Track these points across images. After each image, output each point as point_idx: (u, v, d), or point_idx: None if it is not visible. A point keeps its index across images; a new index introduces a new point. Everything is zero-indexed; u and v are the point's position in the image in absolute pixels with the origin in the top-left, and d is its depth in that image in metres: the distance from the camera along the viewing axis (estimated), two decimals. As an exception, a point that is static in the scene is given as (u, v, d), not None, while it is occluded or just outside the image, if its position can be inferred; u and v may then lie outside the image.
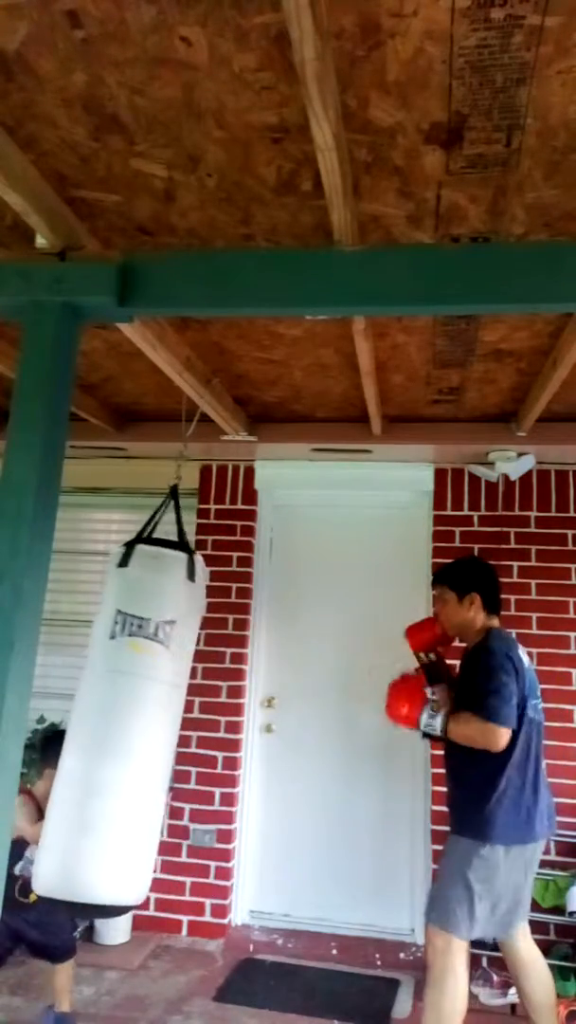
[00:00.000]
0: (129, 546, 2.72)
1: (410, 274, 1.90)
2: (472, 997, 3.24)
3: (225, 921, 3.84)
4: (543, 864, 3.59)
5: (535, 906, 3.54)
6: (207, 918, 3.83)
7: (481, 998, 3.23)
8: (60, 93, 1.61)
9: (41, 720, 4.01)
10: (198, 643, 2.81)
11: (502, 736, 2.52)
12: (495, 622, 2.89)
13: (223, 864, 3.87)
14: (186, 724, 3.01)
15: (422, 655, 2.90)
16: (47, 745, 2.91)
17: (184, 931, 3.83)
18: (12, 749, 1.69)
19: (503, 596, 3.85)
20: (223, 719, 3.96)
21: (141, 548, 2.71)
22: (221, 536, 4.11)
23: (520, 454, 3.69)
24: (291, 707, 4.09)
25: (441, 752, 2.86)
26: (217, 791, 3.90)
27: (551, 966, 3.38)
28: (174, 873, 3.82)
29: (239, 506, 4.22)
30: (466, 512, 4.01)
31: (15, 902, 2.75)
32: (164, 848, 3.66)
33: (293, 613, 4.18)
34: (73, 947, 3.00)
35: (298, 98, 1.54)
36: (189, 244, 2.13)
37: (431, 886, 2.71)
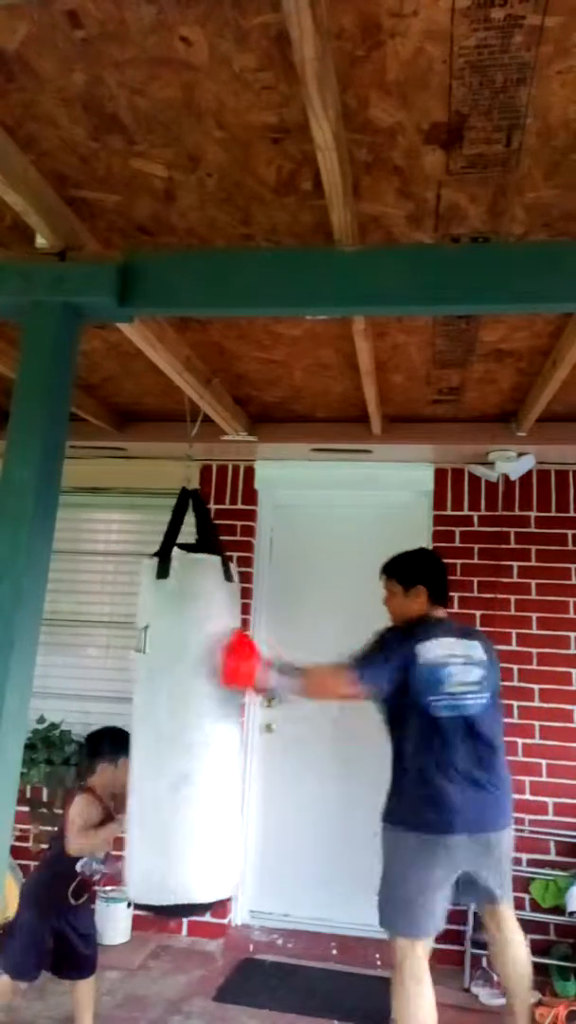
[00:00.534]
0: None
1: (410, 274, 1.90)
2: (472, 997, 3.26)
3: (225, 921, 3.84)
4: (543, 864, 3.61)
5: (535, 906, 3.55)
6: (207, 918, 3.82)
7: (481, 998, 3.23)
8: (60, 93, 1.61)
9: (41, 720, 4.02)
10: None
11: (348, 681, 2.57)
12: (437, 612, 2.87)
13: (223, 864, 3.87)
14: (186, 724, 3.01)
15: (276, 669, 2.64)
16: (100, 741, 2.96)
17: (184, 931, 3.83)
18: (12, 749, 1.69)
19: (502, 596, 3.89)
20: (223, 719, 3.96)
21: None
22: (221, 536, 4.09)
23: (520, 454, 3.69)
24: (291, 707, 4.09)
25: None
26: (217, 791, 3.90)
27: (551, 966, 3.39)
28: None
29: (239, 506, 4.22)
30: (466, 512, 4.01)
31: (64, 902, 2.73)
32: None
33: (293, 613, 4.18)
34: (96, 959, 2.88)
35: (298, 98, 1.54)
36: (189, 244, 2.13)
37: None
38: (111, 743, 2.89)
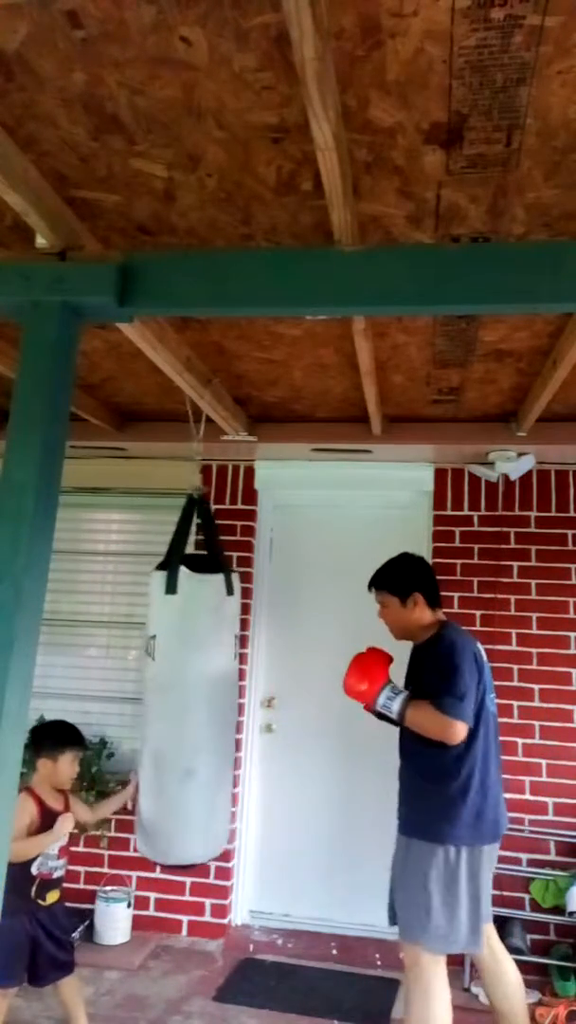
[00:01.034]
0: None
1: (410, 274, 1.90)
2: (472, 997, 3.25)
3: (225, 921, 3.84)
4: (543, 864, 3.61)
5: (535, 906, 3.56)
6: (207, 918, 3.83)
7: (481, 998, 3.23)
8: (60, 93, 1.61)
9: (41, 720, 4.01)
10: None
11: (460, 731, 2.45)
12: (441, 615, 2.83)
13: (223, 864, 3.86)
14: (186, 724, 3.02)
15: (388, 690, 2.63)
16: (41, 735, 2.86)
17: (184, 931, 3.83)
18: (12, 749, 1.69)
19: (503, 596, 3.89)
20: (223, 719, 3.96)
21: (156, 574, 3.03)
22: (221, 536, 4.10)
23: (520, 454, 3.69)
24: (291, 707, 4.09)
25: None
26: (217, 791, 3.90)
27: (551, 966, 3.39)
28: (174, 873, 3.82)
29: (239, 506, 4.22)
30: (466, 512, 4.01)
31: (32, 904, 2.67)
32: (164, 848, 3.66)
33: (293, 613, 4.18)
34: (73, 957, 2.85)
35: (298, 98, 1.54)
36: (189, 244, 2.13)
37: (394, 896, 2.60)
38: (52, 737, 2.82)
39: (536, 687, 3.79)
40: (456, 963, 3.48)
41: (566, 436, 3.54)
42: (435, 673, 2.55)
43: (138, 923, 3.79)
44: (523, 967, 3.42)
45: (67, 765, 2.77)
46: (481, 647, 2.75)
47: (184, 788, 2.90)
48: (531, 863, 3.63)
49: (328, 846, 3.94)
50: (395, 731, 2.73)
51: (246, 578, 4.13)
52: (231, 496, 4.24)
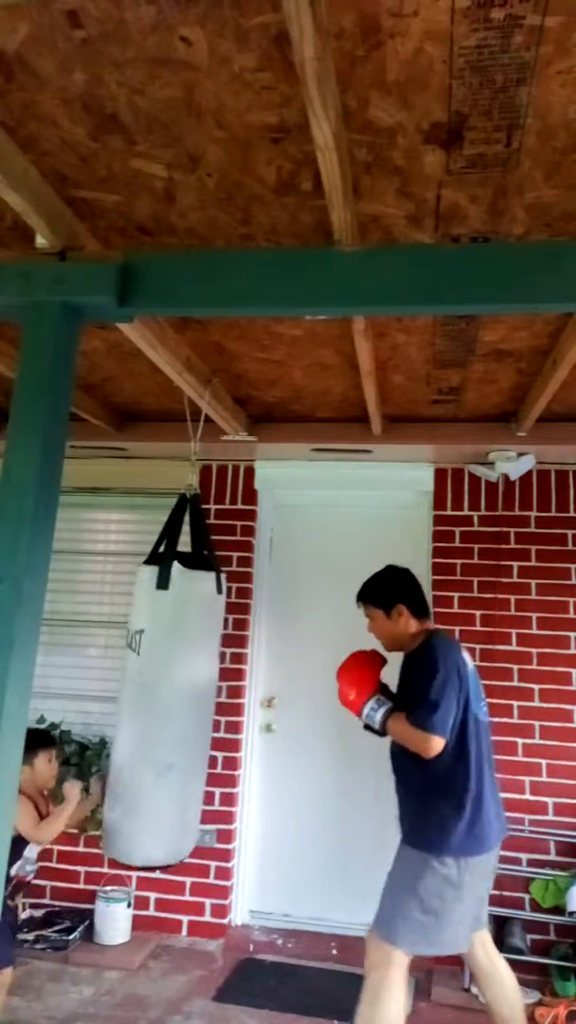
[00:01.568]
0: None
1: (410, 274, 1.90)
2: (472, 997, 3.25)
3: (225, 921, 3.84)
4: (543, 864, 3.61)
5: (535, 906, 3.56)
6: (207, 918, 3.83)
7: (481, 998, 3.22)
8: (60, 93, 1.61)
9: (41, 720, 4.01)
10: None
11: (435, 745, 2.47)
12: (430, 624, 2.85)
13: (223, 864, 3.87)
14: (186, 724, 3.02)
15: (373, 702, 2.66)
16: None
17: (184, 931, 3.83)
18: (12, 749, 1.69)
19: (503, 596, 3.89)
20: (223, 719, 3.96)
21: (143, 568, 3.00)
22: (221, 536, 4.11)
23: (520, 454, 3.69)
24: (291, 707, 4.09)
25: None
26: (217, 791, 3.90)
27: (551, 966, 3.39)
28: (174, 873, 3.82)
29: (239, 506, 4.22)
30: (466, 512, 4.01)
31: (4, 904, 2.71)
32: (164, 848, 3.66)
33: (293, 613, 4.18)
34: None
35: (298, 98, 1.54)
36: (189, 244, 2.13)
37: (382, 897, 2.61)
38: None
39: (536, 687, 3.79)
40: (456, 963, 3.48)
41: (566, 436, 3.54)
42: (416, 685, 2.57)
43: (138, 923, 3.79)
44: (523, 967, 3.43)
45: (44, 765, 2.86)
46: (467, 656, 2.73)
47: (160, 784, 2.85)
48: (531, 863, 3.63)
49: (328, 846, 3.94)
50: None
51: (246, 578, 4.13)
52: (231, 496, 4.24)
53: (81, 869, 3.94)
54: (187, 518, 3.10)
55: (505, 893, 3.64)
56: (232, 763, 3.96)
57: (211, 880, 3.86)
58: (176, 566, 2.88)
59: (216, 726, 3.97)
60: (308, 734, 4.06)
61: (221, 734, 3.95)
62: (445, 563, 3.96)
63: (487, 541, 3.95)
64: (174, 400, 3.35)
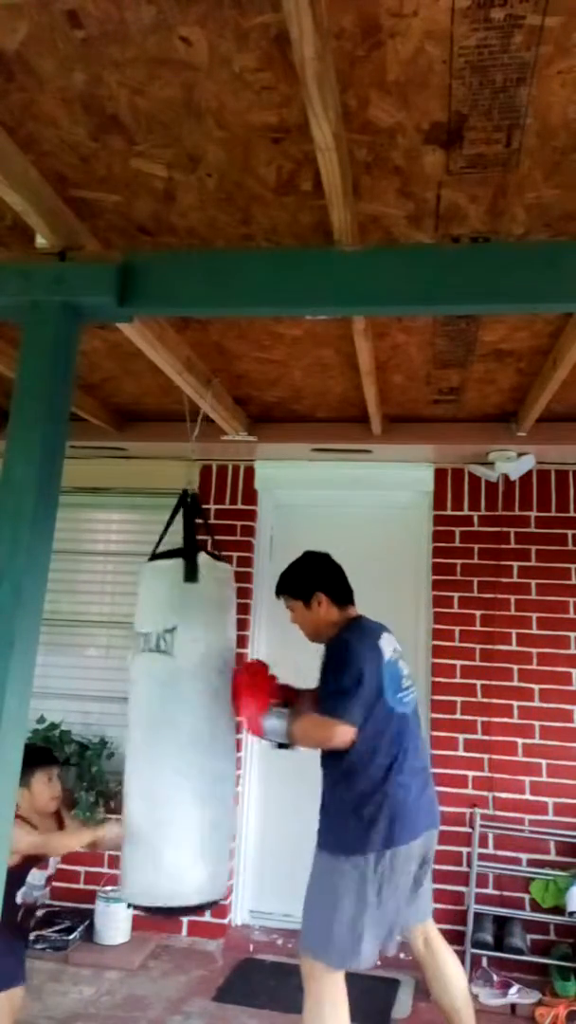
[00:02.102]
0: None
1: (410, 274, 1.90)
2: (472, 997, 3.25)
3: (225, 921, 3.84)
4: (543, 864, 3.61)
5: (535, 906, 3.55)
6: (207, 918, 3.82)
7: (481, 998, 3.23)
8: (60, 93, 1.61)
9: (41, 720, 4.01)
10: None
11: (344, 732, 2.36)
12: (352, 612, 2.71)
13: (223, 864, 3.87)
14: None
15: (269, 723, 2.53)
16: None
17: (184, 931, 3.83)
18: (12, 749, 1.69)
19: (503, 596, 3.89)
20: (223, 719, 3.95)
21: (143, 566, 2.79)
22: (221, 536, 4.10)
23: (520, 454, 3.69)
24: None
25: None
26: (217, 791, 3.89)
27: (551, 966, 3.39)
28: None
29: (239, 506, 4.22)
30: (466, 512, 4.01)
31: (17, 932, 2.60)
32: (164, 848, 3.66)
33: (293, 613, 4.18)
34: None
35: (298, 98, 1.54)
36: (189, 244, 2.13)
37: (303, 911, 2.48)
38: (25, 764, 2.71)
39: (536, 687, 3.79)
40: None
41: (566, 436, 3.54)
42: (324, 678, 2.49)
43: (138, 923, 3.79)
44: (523, 967, 3.43)
45: (42, 787, 2.65)
46: (387, 644, 2.59)
47: (212, 800, 2.58)
48: (531, 863, 3.63)
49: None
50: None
51: (246, 578, 4.13)
52: (231, 496, 4.24)
53: (81, 869, 3.94)
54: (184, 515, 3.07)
55: (505, 893, 3.64)
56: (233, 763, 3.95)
57: (211, 880, 3.85)
58: (203, 557, 2.73)
59: (216, 726, 3.98)
60: (308, 734, 4.05)
61: (221, 734, 3.95)
62: (445, 563, 3.96)
63: (487, 541, 3.95)
64: (174, 400, 3.35)
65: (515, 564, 3.91)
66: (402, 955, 3.63)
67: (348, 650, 2.52)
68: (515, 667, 3.81)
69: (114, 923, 3.68)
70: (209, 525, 3.18)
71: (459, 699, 3.82)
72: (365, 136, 1.68)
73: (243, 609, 4.08)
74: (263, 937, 3.82)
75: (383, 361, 2.89)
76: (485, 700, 3.79)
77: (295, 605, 2.75)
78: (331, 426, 3.73)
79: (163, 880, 2.50)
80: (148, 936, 3.76)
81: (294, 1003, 3.21)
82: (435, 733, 3.79)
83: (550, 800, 3.69)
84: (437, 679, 3.84)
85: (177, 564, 2.73)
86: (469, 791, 3.72)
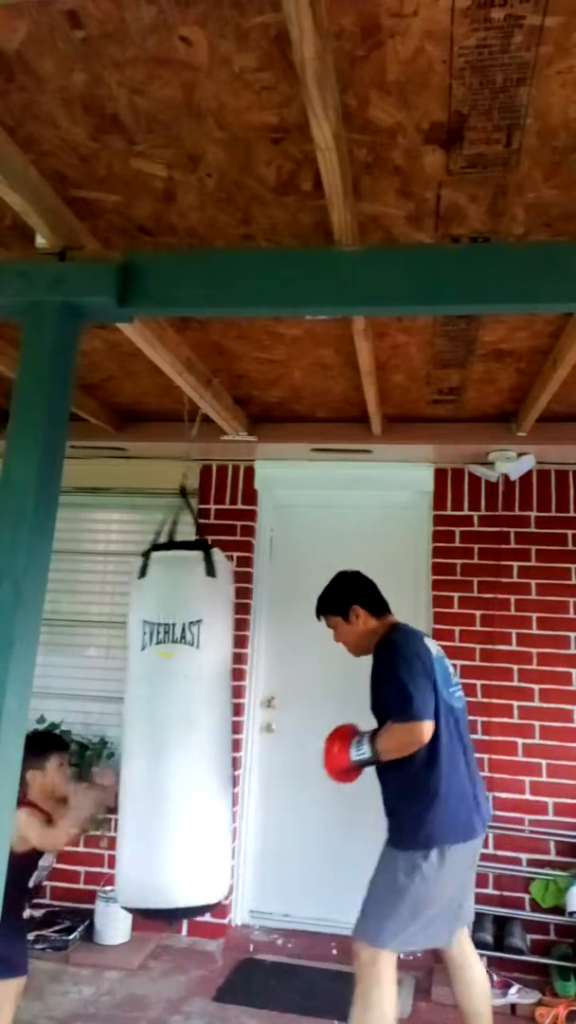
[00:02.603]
0: (145, 555, 2.78)
1: (410, 274, 1.90)
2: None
3: (225, 921, 3.84)
4: (543, 864, 3.61)
5: (535, 906, 3.55)
6: (207, 918, 3.81)
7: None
8: (60, 93, 1.61)
9: (41, 720, 4.02)
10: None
11: (426, 729, 2.45)
12: (390, 619, 2.83)
13: (223, 864, 3.87)
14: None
15: (354, 748, 2.62)
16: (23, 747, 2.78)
17: (184, 931, 3.83)
18: (12, 749, 1.69)
19: (502, 596, 3.89)
20: (223, 719, 3.95)
21: (157, 555, 2.80)
22: (221, 536, 4.11)
23: (520, 454, 3.69)
24: (291, 707, 4.09)
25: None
26: (217, 791, 3.89)
27: (551, 966, 3.39)
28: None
29: (239, 506, 4.22)
30: (466, 512, 4.01)
31: (21, 909, 2.62)
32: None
33: (293, 613, 4.17)
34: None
35: (298, 98, 1.54)
36: (189, 244, 2.13)
37: (365, 898, 2.62)
38: (33, 748, 2.72)
39: (536, 687, 3.79)
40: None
41: (566, 436, 3.54)
42: (386, 685, 2.57)
43: (138, 923, 3.79)
44: (523, 967, 3.43)
45: (55, 771, 2.71)
46: (431, 644, 2.72)
47: (224, 796, 2.67)
48: (531, 863, 3.63)
49: (328, 846, 3.94)
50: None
51: (246, 578, 4.13)
52: (231, 496, 4.24)
53: (81, 869, 3.94)
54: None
55: (505, 893, 3.64)
56: (232, 763, 3.95)
57: (211, 880, 3.85)
58: (217, 552, 2.82)
59: (216, 726, 3.98)
60: (308, 734, 4.05)
61: (221, 734, 3.95)
62: (445, 563, 3.96)
63: (487, 541, 3.95)
64: (174, 400, 3.35)
65: (515, 564, 3.91)
66: (401, 955, 3.63)
67: (399, 649, 2.61)
68: (515, 667, 3.81)
69: (114, 923, 3.68)
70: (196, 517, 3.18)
71: (459, 699, 3.82)
72: (365, 136, 1.68)
73: (243, 609, 4.08)
74: (263, 937, 3.82)
75: (383, 361, 2.89)
76: (485, 700, 3.79)
77: (336, 622, 2.86)
78: (331, 426, 3.73)
79: (176, 881, 2.53)
80: (148, 936, 3.76)
81: (294, 1003, 3.22)
82: (435, 733, 3.79)
83: (550, 800, 3.69)
84: (437, 679, 3.84)
85: (198, 556, 2.77)
86: (469, 791, 3.72)
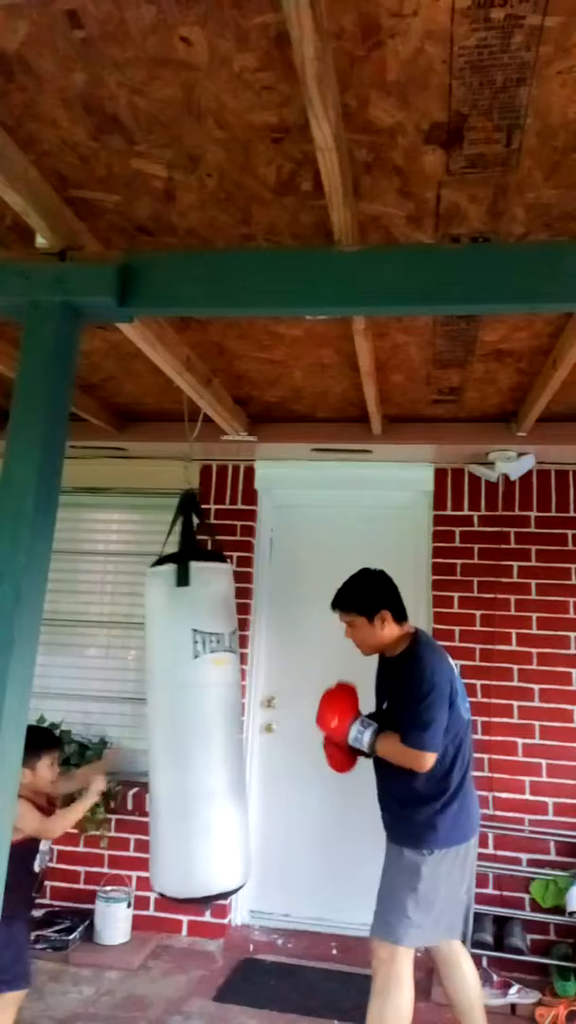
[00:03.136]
0: (180, 563, 2.83)
1: (410, 274, 1.90)
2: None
3: (225, 921, 3.84)
4: (543, 864, 3.61)
5: (535, 906, 3.56)
6: (207, 918, 3.82)
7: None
8: (60, 93, 1.61)
9: (41, 720, 4.01)
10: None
11: (428, 761, 2.51)
12: (409, 627, 2.81)
13: (223, 864, 3.86)
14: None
15: (355, 729, 2.68)
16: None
17: (184, 931, 3.83)
18: (12, 749, 1.69)
19: (502, 596, 3.89)
20: (223, 719, 3.95)
21: (203, 565, 2.90)
22: (221, 536, 4.11)
23: (520, 454, 3.69)
24: (291, 707, 4.09)
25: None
26: (217, 791, 3.89)
27: (551, 966, 3.39)
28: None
29: (239, 506, 4.22)
30: (466, 512, 4.01)
31: (30, 904, 2.70)
32: (164, 848, 3.66)
33: (293, 613, 4.18)
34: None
35: (298, 98, 1.54)
36: (189, 244, 2.13)
37: (379, 897, 2.68)
38: (26, 745, 2.79)
39: (536, 687, 3.79)
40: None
41: (566, 436, 3.54)
42: (409, 700, 2.56)
43: (138, 923, 3.79)
44: (523, 967, 3.43)
45: (46, 770, 2.75)
46: (449, 658, 2.76)
47: (243, 794, 2.86)
48: (531, 863, 3.63)
49: (328, 846, 3.94)
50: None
51: (246, 578, 4.13)
52: (231, 496, 4.24)
53: (81, 869, 3.94)
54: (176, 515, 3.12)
55: (505, 893, 3.64)
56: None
57: (211, 880, 3.85)
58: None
59: (216, 726, 3.98)
60: (308, 734, 4.03)
61: (221, 734, 3.95)
62: (445, 563, 3.96)
63: (487, 541, 3.95)
64: (174, 400, 3.35)
65: (515, 564, 3.91)
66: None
67: (431, 673, 2.58)
68: (515, 667, 3.81)
69: (114, 923, 3.69)
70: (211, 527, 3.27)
71: (459, 699, 3.83)
72: (365, 136, 1.68)
73: (243, 609, 4.08)
74: (263, 937, 3.82)
75: (383, 361, 2.88)
76: (485, 700, 3.79)
77: (358, 621, 2.77)
78: (331, 426, 3.73)
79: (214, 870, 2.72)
80: (148, 936, 3.76)
81: (294, 1003, 3.22)
82: (435, 733, 3.79)
83: (550, 800, 3.69)
84: (437, 679, 3.84)
85: (227, 568, 3.00)
86: (469, 791, 3.72)
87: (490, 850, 3.66)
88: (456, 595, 3.92)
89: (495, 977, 3.35)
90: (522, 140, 1.66)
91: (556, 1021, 3.13)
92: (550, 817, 3.67)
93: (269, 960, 3.62)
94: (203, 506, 4.20)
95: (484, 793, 3.72)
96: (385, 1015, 2.52)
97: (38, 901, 2.80)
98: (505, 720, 3.77)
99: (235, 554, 4.12)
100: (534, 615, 3.85)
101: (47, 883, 3.89)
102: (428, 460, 4.03)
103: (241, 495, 4.23)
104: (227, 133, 1.69)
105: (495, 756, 3.75)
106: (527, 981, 3.38)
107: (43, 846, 2.73)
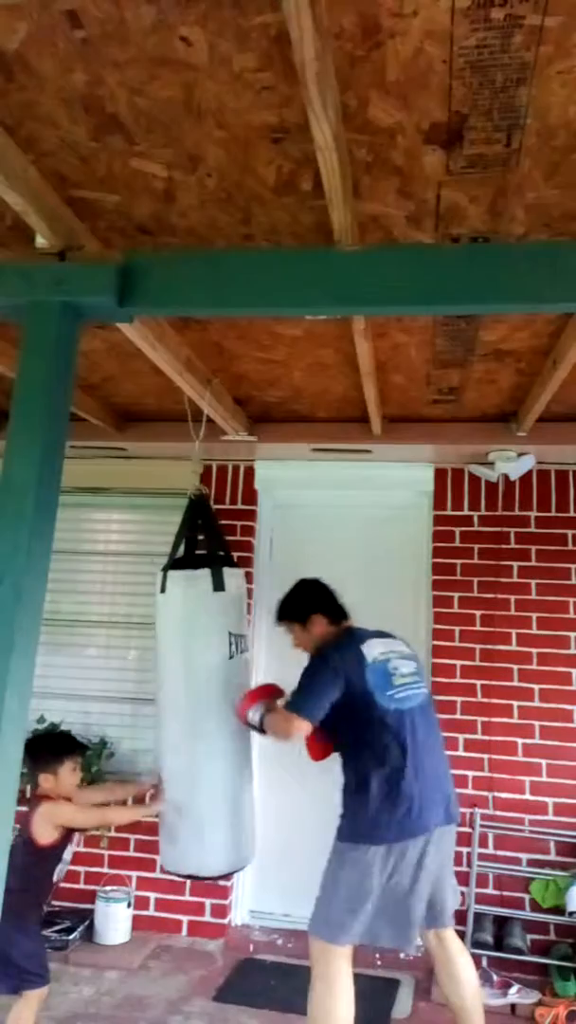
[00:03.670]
0: (217, 569, 3.01)
1: (410, 274, 1.90)
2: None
3: (225, 921, 3.84)
4: (543, 864, 3.61)
5: (535, 906, 3.55)
6: (207, 918, 3.83)
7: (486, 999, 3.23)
8: (60, 93, 1.61)
9: (41, 720, 4.01)
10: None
11: (297, 726, 2.60)
12: (344, 625, 2.95)
13: (223, 864, 3.86)
14: (186, 724, 3.02)
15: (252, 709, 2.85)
16: (38, 750, 2.75)
17: (184, 931, 3.83)
18: (12, 749, 1.69)
19: (502, 596, 3.89)
20: (223, 719, 3.95)
21: (227, 571, 3.08)
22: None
23: (520, 454, 3.69)
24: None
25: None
26: (217, 791, 3.89)
27: (551, 966, 3.39)
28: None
29: (239, 506, 4.22)
30: (466, 512, 4.01)
31: (43, 908, 2.72)
32: (164, 848, 3.66)
33: (293, 613, 4.18)
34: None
35: (298, 98, 1.54)
36: (189, 244, 2.13)
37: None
38: (49, 750, 2.78)
39: (536, 687, 3.79)
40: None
41: (566, 436, 3.54)
42: (301, 676, 2.75)
43: (138, 923, 3.79)
44: (523, 967, 3.43)
45: (68, 775, 2.75)
46: (373, 648, 2.77)
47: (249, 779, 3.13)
48: (531, 863, 3.63)
49: (328, 846, 3.92)
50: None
51: (247, 578, 4.12)
52: (231, 496, 4.24)
53: (81, 869, 3.94)
54: (189, 518, 3.17)
55: (505, 893, 3.64)
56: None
57: (211, 880, 3.85)
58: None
59: (216, 726, 3.98)
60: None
61: (221, 734, 3.95)
62: (445, 563, 3.96)
63: (487, 541, 3.95)
64: (174, 400, 3.35)
65: (515, 564, 3.91)
66: (401, 955, 3.63)
67: (320, 655, 2.77)
68: (515, 667, 3.81)
69: (114, 923, 3.69)
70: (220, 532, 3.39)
71: (459, 699, 3.83)
72: (365, 136, 1.68)
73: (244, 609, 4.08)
74: (263, 937, 3.82)
75: (383, 361, 2.88)
76: (485, 700, 3.79)
77: (294, 628, 2.99)
78: (331, 426, 3.73)
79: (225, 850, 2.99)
80: (148, 936, 3.76)
81: (294, 1003, 3.21)
82: (435, 733, 3.79)
83: (550, 800, 3.69)
84: (437, 679, 3.84)
85: (241, 573, 3.16)
86: (469, 791, 3.71)
87: (490, 850, 3.67)
88: (456, 595, 3.92)
89: (495, 977, 3.35)
90: (522, 140, 1.66)
91: (556, 1021, 3.13)
92: (550, 817, 3.67)
93: (269, 960, 3.62)
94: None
95: (484, 793, 3.72)
96: (314, 1013, 2.52)
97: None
98: (505, 720, 3.77)
99: (235, 554, 4.11)
100: (534, 615, 3.85)
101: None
102: (428, 460, 4.03)
103: (241, 495, 4.23)
104: (227, 133, 1.69)
105: (495, 756, 3.75)
106: (527, 981, 3.38)
107: (66, 854, 2.71)
